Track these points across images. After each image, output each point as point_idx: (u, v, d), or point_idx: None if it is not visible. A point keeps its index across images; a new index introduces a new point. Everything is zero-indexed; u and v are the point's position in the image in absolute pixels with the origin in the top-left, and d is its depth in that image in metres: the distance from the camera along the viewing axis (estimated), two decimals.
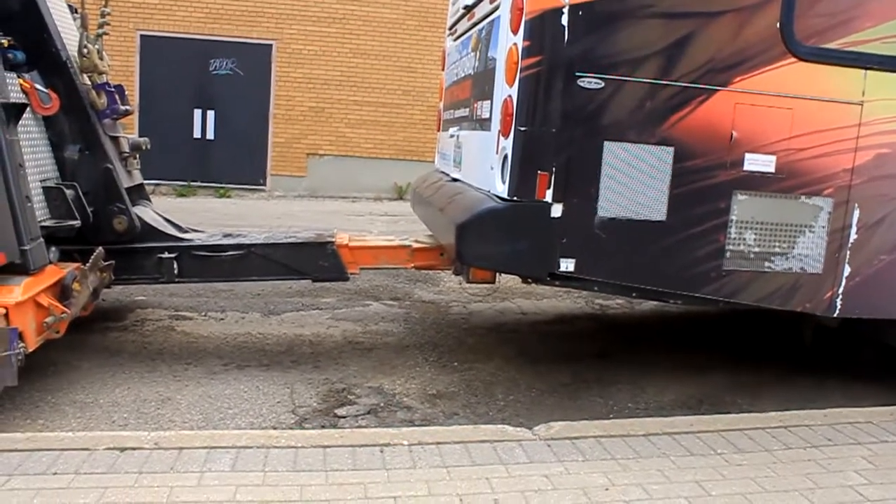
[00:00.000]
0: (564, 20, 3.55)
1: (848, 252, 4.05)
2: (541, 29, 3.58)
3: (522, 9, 3.60)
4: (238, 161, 14.13)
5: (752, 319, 6.04)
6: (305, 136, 14.36)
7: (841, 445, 3.54)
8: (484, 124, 4.23)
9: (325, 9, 14.05)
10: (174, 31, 13.65)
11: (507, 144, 3.72)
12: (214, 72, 13.90)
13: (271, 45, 14.02)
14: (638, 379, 4.76)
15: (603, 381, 4.72)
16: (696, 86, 3.72)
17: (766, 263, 3.98)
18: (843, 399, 4.49)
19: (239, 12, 13.80)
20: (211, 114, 13.98)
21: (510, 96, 3.70)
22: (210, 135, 14.04)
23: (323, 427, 3.83)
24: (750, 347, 5.64)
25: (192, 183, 13.84)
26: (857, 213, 4.02)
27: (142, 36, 13.54)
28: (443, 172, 5.62)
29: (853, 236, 4.04)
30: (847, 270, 4.08)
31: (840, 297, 4.10)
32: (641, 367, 4.98)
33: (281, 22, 13.95)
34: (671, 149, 3.74)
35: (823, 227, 4.00)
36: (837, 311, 4.12)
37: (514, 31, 3.69)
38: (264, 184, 14.35)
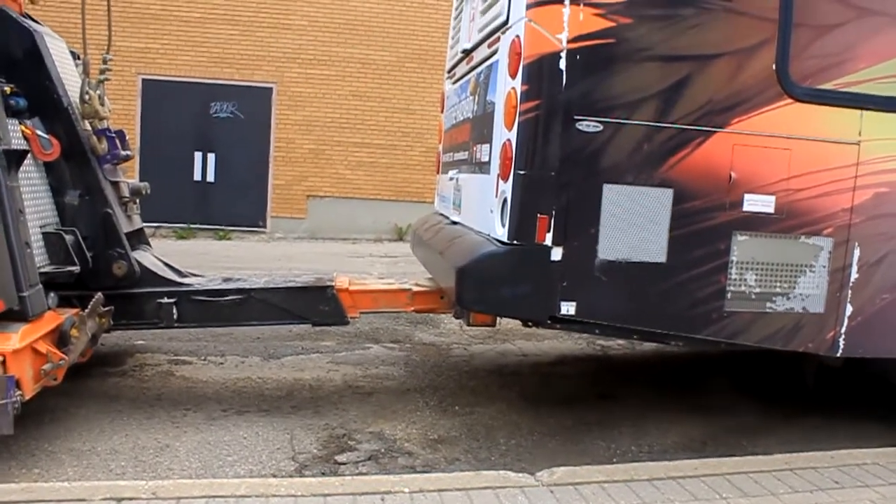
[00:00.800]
0: (562, 64, 3.58)
1: (850, 291, 4.05)
2: (539, 73, 3.61)
3: (520, 53, 3.64)
4: (238, 203, 14.18)
5: (755, 359, 6.00)
6: (305, 178, 14.43)
7: (848, 488, 3.49)
8: (483, 167, 4.24)
9: (325, 52, 14.22)
10: (175, 74, 13.80)
11: (507, 188, 3.72)
12: (215, 115, 14.02)
13: (272, 88, 14.16)
14: (640, 421, 4.71)
15: (605, 424, 4.67)
16: (693, 128, 3.75)
17: (768, 304, 3.96)
18: (849, 440, 4.43)
19: (240, 56, 13.97)
20: (211, 156, 14.08)
21: (509, 140, 3.72)
22: (210, 177, 14.12)
23: (323, 474, 3.78)
24: (754, 387, 5.59)
25: (192, 225, 13.87)
26: (857, 252, 4.02)
27: (143, 80, 13.68)
28: (442, 215, 5.63)
29: (854, 275, 4.04)
30: (849, 310, 4.06)
31: (843, 336, 4.07)
32: (644, 409, 4.93)
33: (281, 65, 14.11)
34: (670, 190, 3.75)
35: (824, 266, 4.00)
36: (840, 351, 4.10)
37: (513, 76, 3.72)
38: (264, 226, 14.39)
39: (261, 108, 14.16)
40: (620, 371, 6.27)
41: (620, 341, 6.88)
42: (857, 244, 4.01)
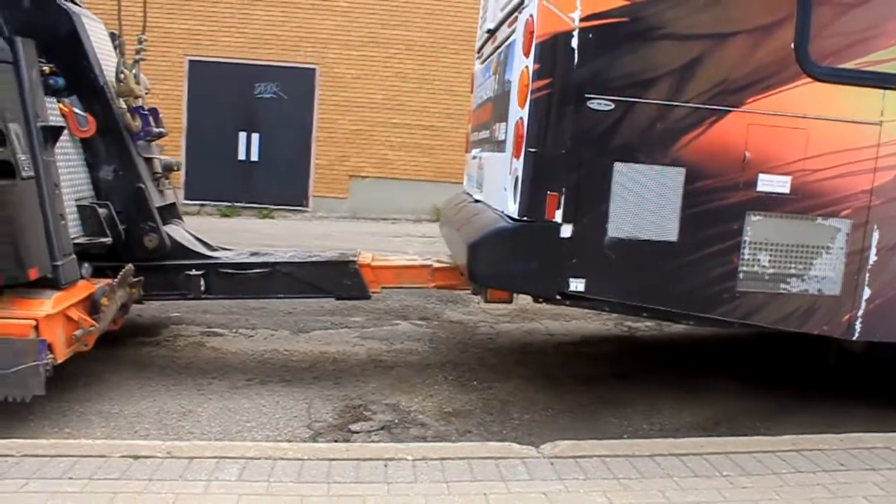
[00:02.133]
0: (574, 43, 3.61)
1: (867, 274, 4.00)
2: (551, 51, 3.65)
3: (533, 32, 3.67)
4: (281, 183, 14.44)
5: (783, 342, 5.94)
6: (348, 159, 14.61)
7: (854, 471, 3.47)
8: (500, 146, 4.29)
9: (367, 33, 14.34)
10: (221, 56, 14.07)
11: (519, 165, 3.78)
12: (259, 95, 14.27)
13: (314, 70, 14.34)
14: (656, 400, 4.73)
15: (620, 402, 4.70)
16: (707, 107, 3.74)
17: (782, 285, 3.95)
18: (866, 424, 4.36)
19: (283, 37, 14.17)
20: (255, 136, 14.34)
21: (521, 118, 3.76)
22: (254, 157, 14.40)
23: (335, 441, 3.90)
24: (777, 370, 5.55)
25: (236, 204, 14.17)
26: (876, 235, 3.97)
27: (190, 61, 13.98)
28: (468, 194, 5.70)
29: (873, 258, 3.99)
30: (867, 293, 4.02)
31: (859, 319, 4.03)
32: (661, 389, 4.95)
33: (323, 47, 14.28)
34: (683, 169, 3.76)
35: (841, 248, 3.96)
36: (857, 334, 4.06)
37: (526, 54, 3.76)
38: (307, 205, 14.63)
39: (304, 88, 14.35)
40: (645, 352, 6.27)
41: (648, 322, 6.88)
42: (876, 226, 3.96)
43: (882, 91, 3.88)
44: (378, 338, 6.04)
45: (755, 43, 3.75)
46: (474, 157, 5.38)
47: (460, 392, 4.82)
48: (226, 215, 13.92)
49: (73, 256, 4.23)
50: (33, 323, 3.81)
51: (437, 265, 5.12)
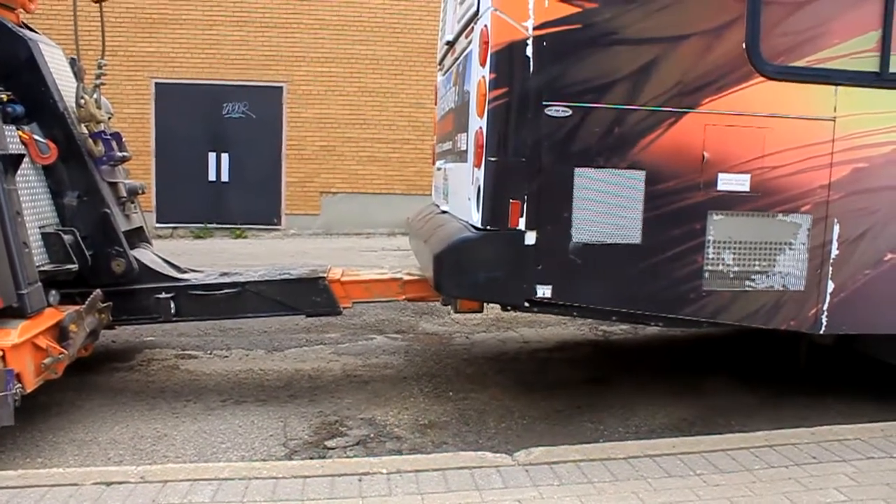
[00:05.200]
0: (529, 51, 3.65)
1: (830, 268, 4.07)
2: (507, 61, 3.68)
3: (488, 42, 3.71)
4: (253, 202, 14.38)
5: (757, 340, 6.01)
6: (318, 175, 14.59)
7: (825, 463, 3.52)
8: (462, 156, 4.32)
9: (333, 50, 14.35)
10: (187, 77, 14.00)
11: (480, 175, 3.80)
12: (227, 115, 14.22)
13: (282, 88, 14.32)
14: (630, 403, 4.76)
15: (596, 407, 4.73)
16: (664, 109, 3.79)
17: (747, 282, 4.00)
18: (840, 418, 4.45)
19: (249, 57, 14.14)
20: (225, 156, 14.28)
21: (481, 128, 3.79)
22: (225, 177, 14.33)
23: (311, 458, 3.89)
24: (750, 369, 5.61)
25: (209, 225, 14.09)
26: (837, 229, 4.04)
27: (156, 83, 13.90)
28: (436, 205, 5.72)
29: (835, 252, 4.06)
30: (831, 286, 4.08)
31: (825, 313, 4.10)
32: (636, 391, 4.98)
33: (290, 64, 14.27)
34: (642, 172, 3.80)
35: (803, 243, 4.02)
36: (824, 328, 4.12)
37: (482, 64, 3.80)
38: (279, 223, 14.57)
39: (272, 107, 14.33)
40: (619, 355, 6.31)
41: (623, 326, 6.92)
42: (836, 220, 4.03)
43: (834, 87, 3.96)
44: (353, 353, 6.04)
45: (708, 45, 3.81)
46: (439, 169, 5.41)
47: (436, 403, 4.82)
48: (199, 237, 13.84)
49: (39, 284, 4.19)
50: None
51: (407, 278, 5.13)
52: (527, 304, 3.87)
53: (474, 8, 4.04)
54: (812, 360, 5.19)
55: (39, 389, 4.05)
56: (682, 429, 4.41)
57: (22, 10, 5.00)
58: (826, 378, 5.25)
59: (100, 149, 4.95)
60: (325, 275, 5.03)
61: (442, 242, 3.95)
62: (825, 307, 4.09)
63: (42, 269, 4.37)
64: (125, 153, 5.28)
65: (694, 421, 4.54)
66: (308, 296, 4.99)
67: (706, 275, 3.94)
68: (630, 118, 3.76)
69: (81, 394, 4.87)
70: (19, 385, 3.82)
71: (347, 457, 3.92)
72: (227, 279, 5.08)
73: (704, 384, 5.13)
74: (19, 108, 4.57)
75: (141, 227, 5.53)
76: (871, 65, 3.98)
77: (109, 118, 5.33)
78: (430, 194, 6.66)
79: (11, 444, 4.05)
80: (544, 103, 3.67)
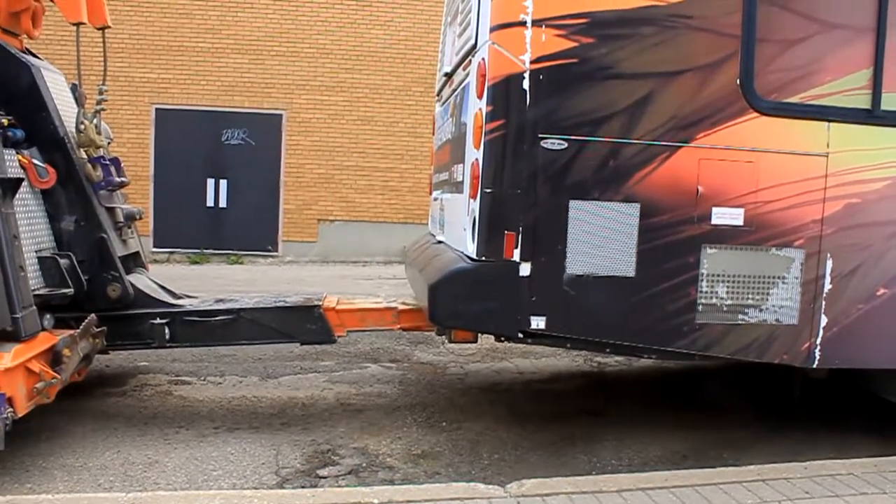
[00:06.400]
0: (526, 84, 3.69)
1: (823, 302, 4.08)
2: (504, 93, 3.73)
3: (485, 74, 3.76)
4: (250, 228, 14.42)
5: (751, 372, 6.00)
6: (316, 203, 14.64)
7: (818, 498, 3.50)
8: (458, 187, 4.35)
9: (333, 78, 14.48)
10: (187, 103, 14.10)
11: (476, 206, 3.83)
12: (227, 142, 14.29)
13: (281, 115, 14.42)
14: (624, 435, 4.75)
15: (589, 438, 4.72)
16: (659, 143, 3.83)
17: (740, 316, 4.01)
18: (833, 452, 4.44)
19: (249, 84, 14.26)
20: (223, 183, 14.34)
21: (477, 159, 3.83)
22: (223, 203, 14.37)
23: (303, 487, 3.86)
24: (745, 401, 5.60)
25: (206, 250, 14.10)
26: (830, 263, 4.06)
27: (157, 109, 13.99)
28: (432, 235, 5.75)
29: (828, 286, 4.07)
30: (824, 321, 4.10)
31: (818, 347, 4.11)
32: (630, 424, 4.97)
33: (290, 92, 14.39)
34: (637, 205, 3.83)
35: (796, 278, 4.04)
36: (816, 362, 4.13)
37: (480, 97, 3.84)
38: (276, 250, 14.59)
39: (271, 134, 14.41)
40: (613, 387, 6.30)
41: (618, 358, 6.92)
42: (829, 255, 4.05)
43: (827, 123, 4.01)
44: (347, 381, 6.02)
45: (702, 80, 3.86)
46: (436, 199, 5.44)
47: (429, 433, 4.80)
48: (195, 262, 13.84)
49: (34, 308, 4.19)
50: None
51: (402, 307, 5.13)
52: (521, 336, 3.88)
53: (472, 41, 4.10)
54: (806, 393, 5.19)
55: (30, 413, 4.02)
56: (674, 461, 4.40)
57: (26, 36, 5.06)
58: (820, 410, 5.24)
59: (98, 174, 4.98)
60: (320, 303, 5.04)
61: (437, 273, 3.97)
62: (818, 341, 4.10)
63: (37, 292, 4.37)
64: (123, 178, 5.30)
65: (687, 454, 4.52)
66: (303, 324, 5.00)
67: (699, 308, 3.96)
68: (625, 152, 3.80)
69: (73, 418, 4.85)
70: (11, 409, 3.81)
71: (339, 486, 3.90)
72: (222, 306, 5.08)
73: (698, 417, 5.12)
74: (19, 133, 4.61)
75: (137, 252, 5.54)
76: (863, 102, 4.04)
77: (109, 143, 5.37)
78: (427, 223, 6.70)
79: (1, 468, 4.01)
80: (540, 136, 3.71)
